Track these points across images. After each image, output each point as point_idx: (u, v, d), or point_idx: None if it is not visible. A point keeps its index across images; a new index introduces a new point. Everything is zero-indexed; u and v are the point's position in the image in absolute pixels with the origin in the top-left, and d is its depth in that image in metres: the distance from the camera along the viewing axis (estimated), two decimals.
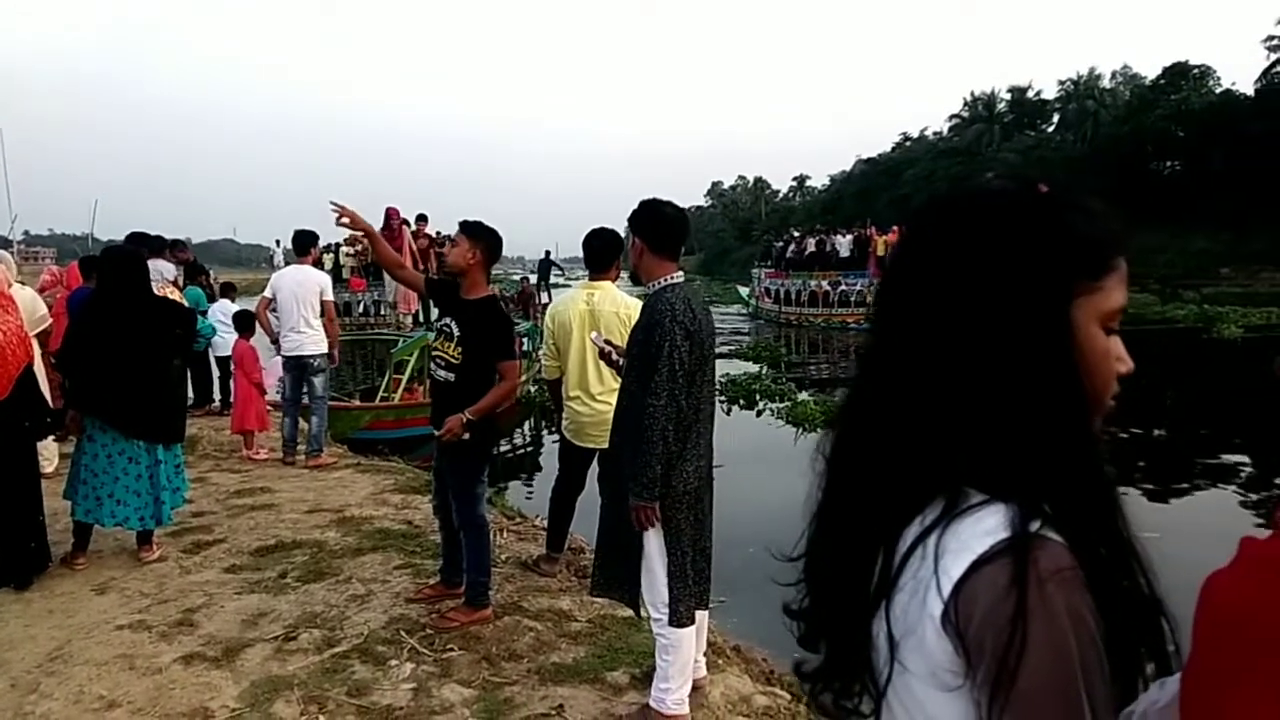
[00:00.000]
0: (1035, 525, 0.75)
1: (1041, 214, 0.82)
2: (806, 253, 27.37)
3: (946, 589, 0.75)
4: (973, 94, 69.05)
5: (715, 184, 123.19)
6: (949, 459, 0.81)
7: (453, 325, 3.87)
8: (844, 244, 26.44)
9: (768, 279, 29.89)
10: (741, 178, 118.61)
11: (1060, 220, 0.82)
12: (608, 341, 4.23)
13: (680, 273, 3.17)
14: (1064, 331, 0.80)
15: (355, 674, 3.61)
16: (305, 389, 7.23)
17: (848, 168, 78.66)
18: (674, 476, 2.95)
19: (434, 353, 3.97)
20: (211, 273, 11.55)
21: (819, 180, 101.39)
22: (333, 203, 3.92)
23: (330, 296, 7.15)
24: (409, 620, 4.12)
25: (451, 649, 3.83)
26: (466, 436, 3.79)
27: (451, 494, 4.01)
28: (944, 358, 0.82)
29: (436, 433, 3.89)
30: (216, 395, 9.66)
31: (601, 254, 4.40)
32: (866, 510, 0.86)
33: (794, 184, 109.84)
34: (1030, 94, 65.82)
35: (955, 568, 0.75)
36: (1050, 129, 63.42)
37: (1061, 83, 63.41)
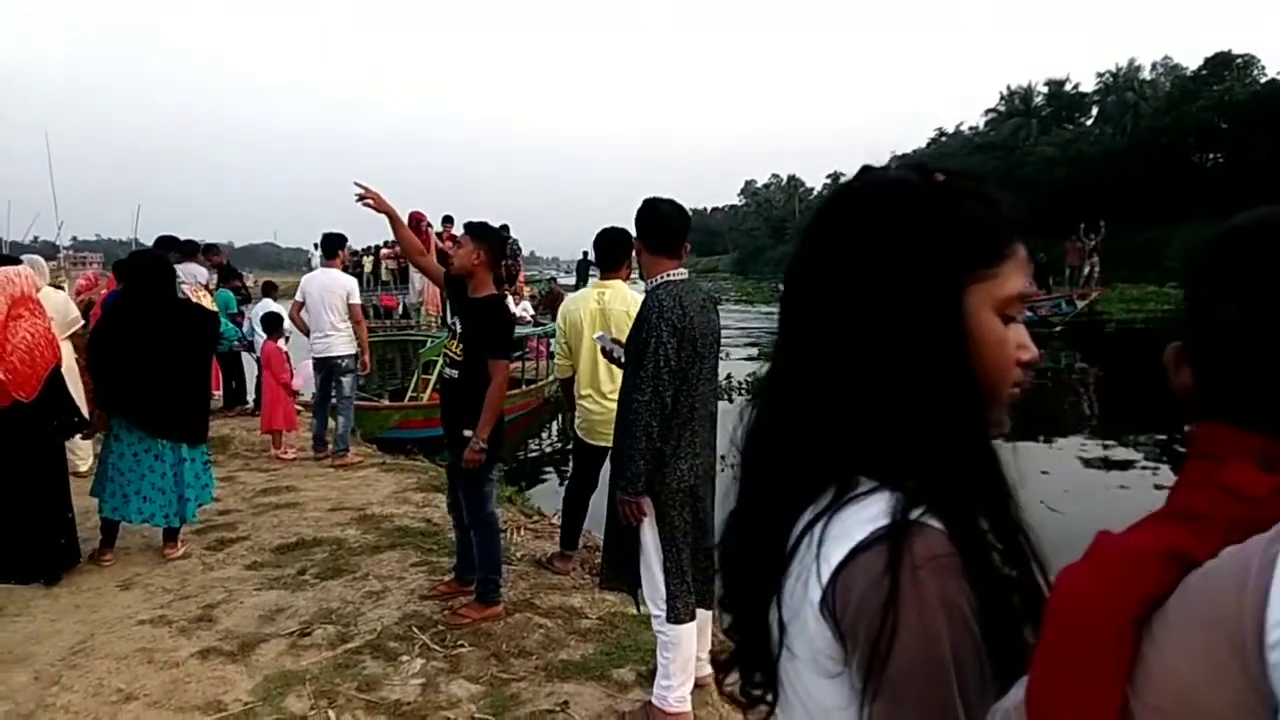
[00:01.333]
0: (917, 512, 0.75)
1: (934, 202, 0.83)
2: None
3: (825, 575, 0.76)
4: (1009, 88, 67.88)
5: (749, 182, 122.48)
6: (844, 446, 0.82)
7: (458, 323, 3.93)
8: None
9: None
10: (775, 176, 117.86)
11: (953, 208, 0.82)
12: (614, 340, 4.25)
13: (682, 270, 3.17)
14: (954, 319, 0.80)
15: (366, 669, 3.67)
16: (334, 389, 7.35)
17: (883, 163, 77.80)
18: (667, 473, 2.96)
19: (445, 350, 4.03)
20: (249, 275, 11.72)
21: None
22: (356, 183, 4.00)
23: (357, 300, 7.27)
24: (422, 617, 4.17)
25: (462, 645, 3.88)
26: (469, 434, 3.85)
27: (461, 492, 4.06)
28: (838, 344, 0.83)
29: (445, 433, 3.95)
30: (250, 396, 9.83)
31: (610, 253, 4.42)
32: (770, 497, 0.86)
33: (828, 181, 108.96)
34: (1068, 87, 64.58)
35: (835, 554, 0.76)
36: (1089, 122, 62.13)
37: (1100, 75, 62.10)
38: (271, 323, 7.73)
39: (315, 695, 3.43)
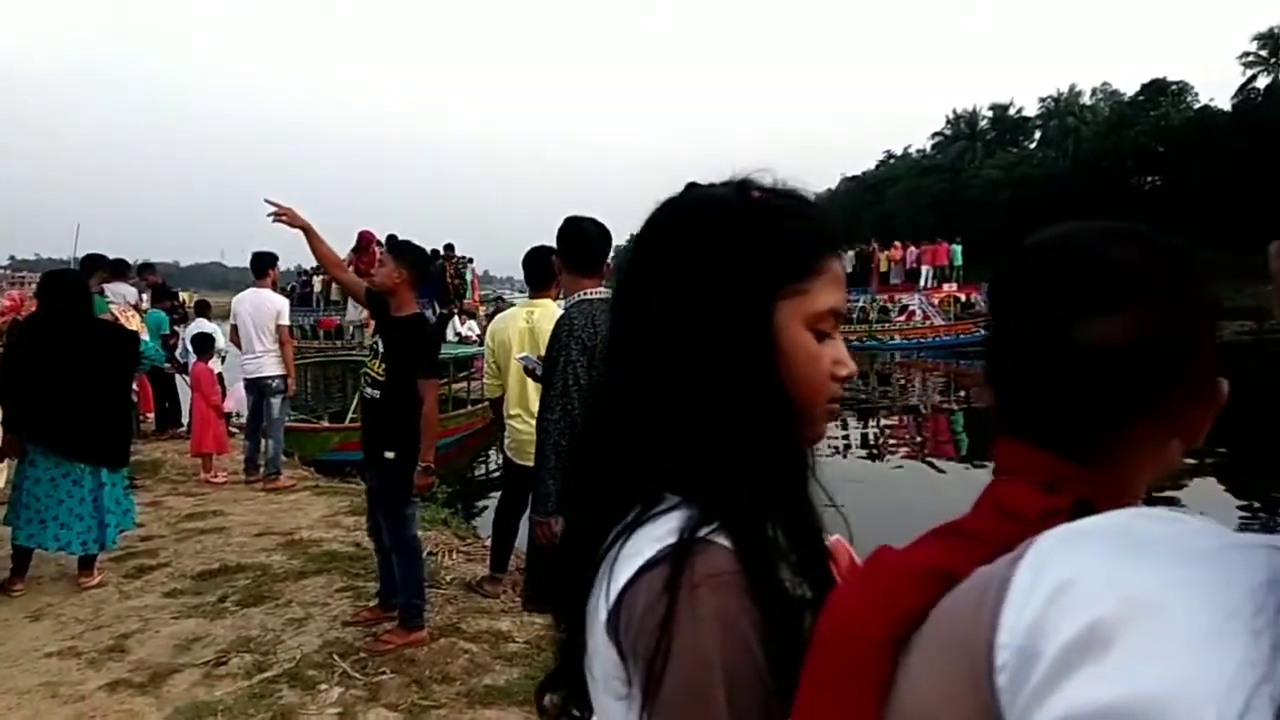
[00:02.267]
0: (707, 530, 0.73)
1: (746, 217, 0.82)
2: None
3: (613, 595, 0.74)
4: (955, 111, 69.61)
5: None
6: (652, 461, 0.80)
7: (379, 342, 3.87)
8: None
9: None
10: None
11: (765, 223, 0.82)
12: (538, 359, 4.22)
13: (602, 290, 3.16)
14: (761, 333, 0.79)
15: (282, 699, 3.57)
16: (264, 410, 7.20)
17: (833, 185, 79.06)
18: None
19: (363, 370, 3.96)
20: (193, 295, 11.47)
21: None
22: (268, 200, 3.93)
23: (286, 321, 7.12)
24: (344, 644, 4.07)
25: (384, 672, 3.79)
26: (391, 455, 3.78)
27: (381, 515, 3.98)
28: (648, 356, 0.82)
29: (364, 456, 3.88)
30: (185, 418, 9.59)
31: (538, 272, 4.40)
32: (585, 514, 0.85)
33: None
34: (1012, 111, 66.37)
35: (623, 574, 0.74)
36: (1032, 145, 63.86)
37: (1043, 99, 63.96)
38: (202, 343, 7.56)
39: None
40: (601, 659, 0.76)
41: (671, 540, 0.73)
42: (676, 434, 0.79)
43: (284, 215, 3.94)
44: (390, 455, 3.82)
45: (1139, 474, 0.69)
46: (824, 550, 0.79)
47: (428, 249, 4.38)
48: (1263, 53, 46.10)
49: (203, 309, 9.42)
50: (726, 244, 0.81)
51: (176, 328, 9.67)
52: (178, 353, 9.04)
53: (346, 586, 4.83)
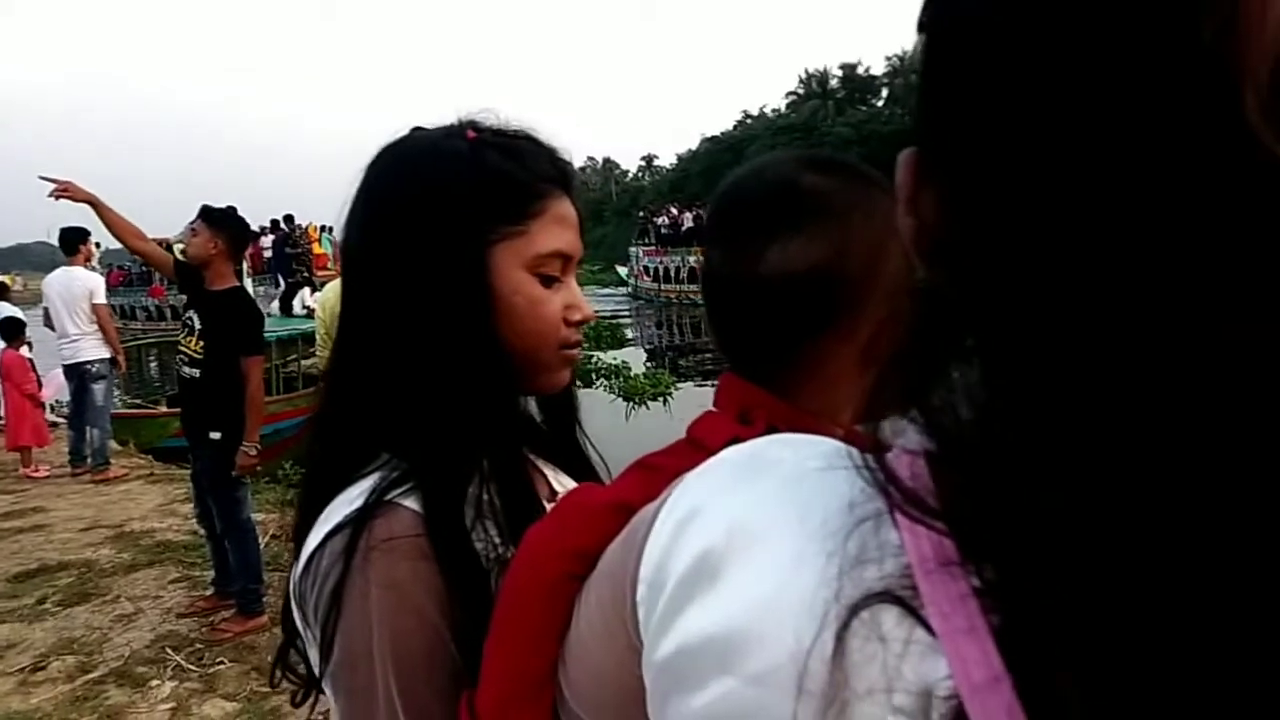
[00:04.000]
0: (396, 492, 0.71)
1: (456, 159, 0.79)
2: (684, 228, 26.49)
3: (302, 561, 0.72)
4: (807, 71, 71.37)
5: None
6: (371, 420, 0.77)
7: (194, 318, 3.65)
8: (687, 218, 26.50)
9: (646, 257, 29.10)
10: (590, 159, 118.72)
11: (475, 165, 0.79)
12: None
13: None
14: (469, 277, 0.77)
15: (109, 699, 3.38)
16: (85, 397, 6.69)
17: (694, 146, 79.87)
18: None
19: (178, 349, 3.73)
20: (16, 278, 10.43)
21: (667, 159, 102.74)
22: (41, 177, 3.63)
23: (101, 299, 6.58)
24: (178, 636, 3.88)
25: (221, 662, 3.63)
26: (217, 436, 3.59)
27: (211, 499, 3.79)
28: (366, 307, 0.80)
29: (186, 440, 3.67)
30: None
31: None
32: (316, 476, 0.81)
33: (642, 163, 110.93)
34: (860, 70, 68.56)
35: (314, 540, 0.72)
36: (880, 104, 66.25)
37: (889, 58, 66.33)
38: (8, 329, 6.93)
39: None
40: (303, 629, 0.74)
41: (360, 503, 0.70)
42: (389, 387, 0.77)
43: (65, 191, 3.64)
44: (216, 436, 3.63)
45: (835, 399, 0.68)
46: (539, 507, 0.78)
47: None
48: None
49: (1, 292, 8.58)
50: (435, 186, 0.78)
51: None
52: None
53: (181, 577, 4.59)
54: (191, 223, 3.69)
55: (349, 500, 0.72)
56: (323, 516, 0.73)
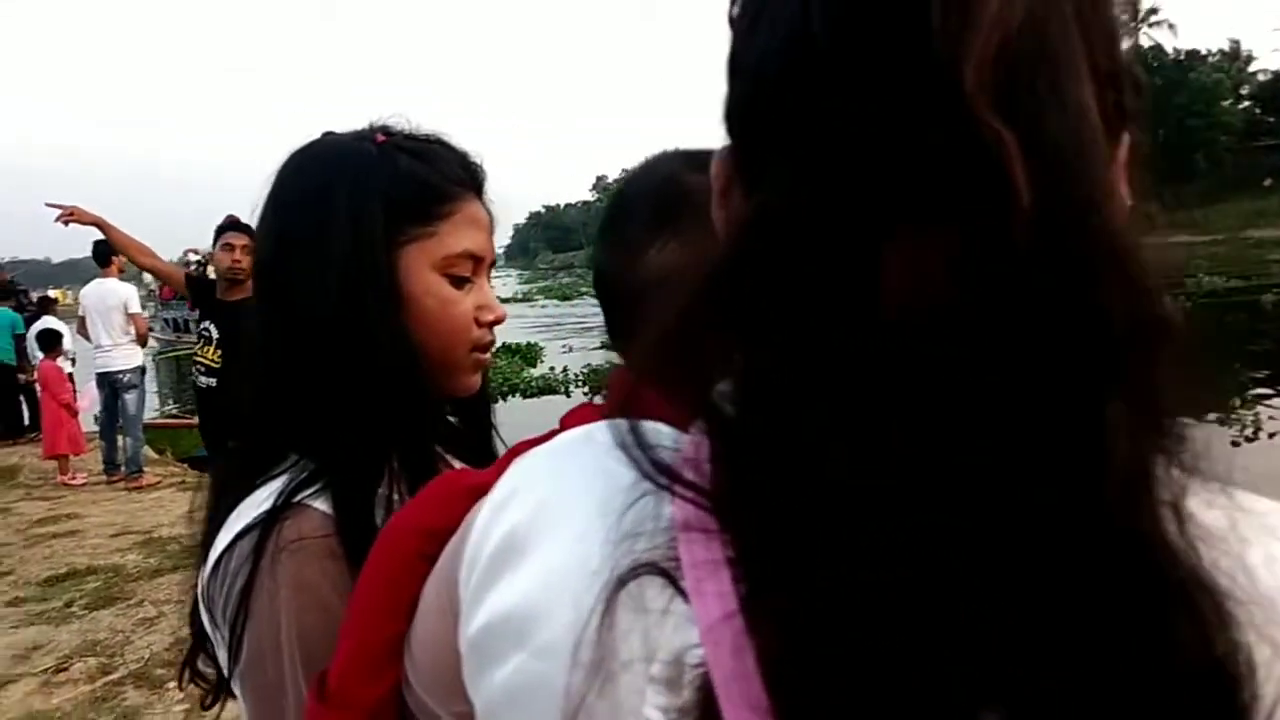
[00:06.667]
0: (305, 493, 0.72)
1: (364, 161, 0.81)
2: None
3: (210, 564, 0.73)
4: None
5: (600, 178, 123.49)
6: (280, 420, 0.78)
7: (212, 329, 3.72)
8: None
9: None
10: (625, 170, 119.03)
11: (383, 166, 0.80)
12: None
13: None
14: (375, 279, 0.78)
15: (127, 701, 3.45)
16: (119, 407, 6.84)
17: None
18: None
19: (195, 359, 3.80)
20: (54, 292, 10.78)
21: None
22: (48, 204, 3.74)
23: (137, 308, 6.73)
24: None
25: None
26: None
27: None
28: (274, 310, 0.81)
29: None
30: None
31: None
32: (227, 475, 0.81)
33: None
34: None
35: (222, 541, 0.72)
36: None
37: None
38: (48, 340, 7.12)
39: None
40: (211, 631, 0.75)
41: (269, 505, 0.71)
42: (298, 388, 0.78)
43: (71, 215, 3.76)
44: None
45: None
46: None
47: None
48: None
49: (46, 305, 8.84)
50: (342, 188, 0.79)
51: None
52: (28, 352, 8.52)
53: None
54: (223, 236, 3.73)
55: (257, 503, 0.73)
56: (231, 518, 0.74)
